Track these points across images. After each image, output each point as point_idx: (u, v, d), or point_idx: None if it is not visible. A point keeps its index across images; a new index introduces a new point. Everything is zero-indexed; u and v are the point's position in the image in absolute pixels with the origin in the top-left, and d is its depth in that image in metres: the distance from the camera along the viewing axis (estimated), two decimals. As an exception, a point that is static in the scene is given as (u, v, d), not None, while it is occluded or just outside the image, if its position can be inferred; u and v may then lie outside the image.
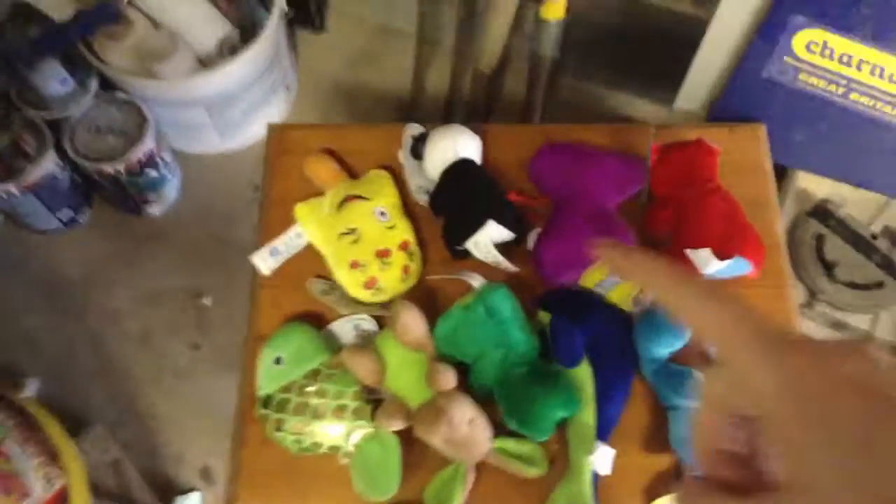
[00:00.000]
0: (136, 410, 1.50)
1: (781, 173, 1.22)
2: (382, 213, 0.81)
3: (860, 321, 1.12)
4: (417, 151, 0.86)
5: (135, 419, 1.49)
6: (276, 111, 1.68)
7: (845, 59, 0.81)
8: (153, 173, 1.52)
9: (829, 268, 1.10)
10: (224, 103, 1.51)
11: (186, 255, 1.61)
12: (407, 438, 0.73)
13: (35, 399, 1.38)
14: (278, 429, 0.74)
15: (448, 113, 1.62)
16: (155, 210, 1.63)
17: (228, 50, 1.51)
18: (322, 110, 1.75)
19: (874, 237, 1.11)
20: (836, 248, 1.11)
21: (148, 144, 1.45)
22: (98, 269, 1.60)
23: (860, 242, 1.11)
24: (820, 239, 1.11)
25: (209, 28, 1.48)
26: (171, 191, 1.62)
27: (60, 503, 0.79)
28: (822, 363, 0.25)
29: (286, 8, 1.53)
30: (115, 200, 1.61)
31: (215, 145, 1.65)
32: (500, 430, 0.74)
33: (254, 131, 1.66)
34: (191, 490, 1.42)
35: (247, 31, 1.54)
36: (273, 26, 1.47)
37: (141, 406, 1.50)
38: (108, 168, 1.43)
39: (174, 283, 1.59)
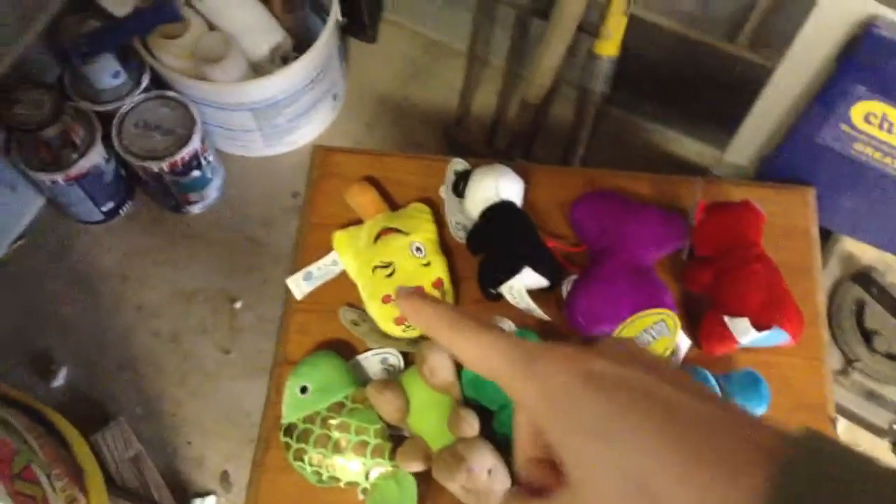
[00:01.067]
0: (161, 408, 1.51)
1: (827, 235, 1.19)
2: (419, 249, 0.81)
3: (894, 393, 1.09)
4: (459, 189, 0.85)
5: (159, 416, 1.50)
6: (322, 120, 1.69)
7: (905, 133, 0.79)
8: (196, 173, 1.54)
9: (867, 336, 1.08)
10: (271, 110, 1.52)
11: (222, 256, 1.63)
12: (425, 479, 0.73)
13: (63, 395, 1.41)
14: (299, 458, 0.74)
15: (492, 137, 1.61)
16: (195, 209, 1.65)
17: (280, 58, 1.52)
18: (367, 122, 1.75)
19: (918, 308, 1.08)
20: (876, 316, 1.08)
21: (194, 145, 1.47)
22: (135, 263, 1.63)
23: (903, 312, 1.08)
24: (861, 305, 1.09)
25: (263, 34, 1.49)
26: (213, 191, 1.64)
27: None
28: (566, 364, 0.27)
29: (340, 17, 1.53)
30: (157, 196, 1.63)
31: (259, 149, 1.66)
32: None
33: (298, 138, 1.67)
34: (207, 493, 1.43)
35: (300, 40, 1.56)
36: (326, 37, 1.47)
37: (166, 404, 1.51)
38: (153, 166, 1.45)
39: (208, 284, 1.60)
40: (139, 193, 1.68)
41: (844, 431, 1.24)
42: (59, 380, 1.50)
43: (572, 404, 0.26)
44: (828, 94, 0.81)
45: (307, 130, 1.66)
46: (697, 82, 1.47)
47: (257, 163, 1.70)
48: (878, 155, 0.84)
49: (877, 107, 0.79)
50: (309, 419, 0.74)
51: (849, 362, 1.08)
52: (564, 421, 0.26)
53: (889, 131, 0.80)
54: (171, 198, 1.60)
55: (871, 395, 1.09)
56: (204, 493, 1.42)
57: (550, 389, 0.27)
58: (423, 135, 1.73)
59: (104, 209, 1.61)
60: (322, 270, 0.84)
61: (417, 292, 0.34)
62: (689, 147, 1.66)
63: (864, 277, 1.09)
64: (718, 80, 1.41)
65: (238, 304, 1.58)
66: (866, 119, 0.80)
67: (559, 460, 0.27)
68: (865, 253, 1.12)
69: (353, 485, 0.74)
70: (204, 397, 1.51)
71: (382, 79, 1.80)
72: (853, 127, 0.82)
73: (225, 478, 1.44)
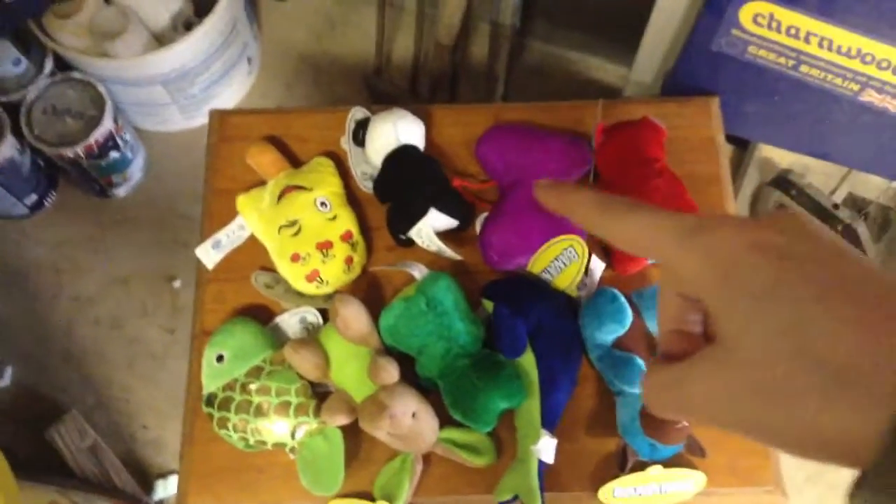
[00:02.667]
0: (113, 395, 1.50)
1: (746, 143, 1.20)
2: (324, 204, 0.80)
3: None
4: (359, 138, 0.84)
5: (111, 404, 1.49)
6: (239, 85, 1.65)
7: (793, 31, 0.79)
8: (115, 154, 1.49)
9: (790, 238, 1.10)
10: (182, 80, 1.48)
11: (155, 236, 1.60)
12: (355, 431, 0.73)
13: (11, 394, 1.39)
14: (223, 427, 0.74)
15: (414, 83, 1.59)
16: (121, 191, 1.61)
17: (183, 24, 1.47)
18: (287, 82, 1.71)
19: (836, 206, 1.10)
20: (797, 217, 1.09)
21: (107, 125, 1.43)
22: (67, 253, 1.59)
23: (822, 212, 1.09)
24: (782, 209, 1.10)
25: (162, 2, 1.44)
26: (136, 171, 1.60)
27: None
28: (733, 233, 0.27)
29: (243, -22, 1.48)
30: (80, 183, 1.59)
31: (178, 122, 1.62)
32: (447, 420, 0.74)
33: (217, 106, 1.63)
34: (170, 473, 1.43)
35: (204, 4, 1.50)
36: None
37: (117, 391, 1.50)
38: (68, 151, 1.41)
39: (144, 266, 1.58)
40: (62, 182, 1.63)
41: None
42: (5, 380, 1.48)
43: (739, 270, 0.26)
44: (714, 0, 0.80)
45: (225, 97, 1.62)
46: (610, 5, 1.45)
47: (179, 136, 1.66)
48: (772, 56, 0.84)
49: (763, 7, 0.78)
50: (228, 387, 0.74)
51: (774, 266, 1.10)
52: (729, 286, 0.26)
53: (778, 30, 0.80)
54: (94, 183, 1.55)
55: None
56: (166, 474, 1.42)
57: (716, 257, 0.27)
58: (344, 89, 1.69)
59: (28, 202, 1.56)
60: (230, 237, 0.83)
61: (557, 182, 0.34)
62: (612, 72, 1.65)
63: (783, 181, 1.10)
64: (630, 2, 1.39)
65: (177, 283, 1.55)
66: (755, 20, 0.80)
67: (713, 324, 0.27)
68: (783, 157, 1.13)
69: (280, 445, 0.74)
70: (154, 380, 1.50)
71: (298, 36, 1.75)
72: (743, 30, 0.82)
73: (184, 455, 1.44)
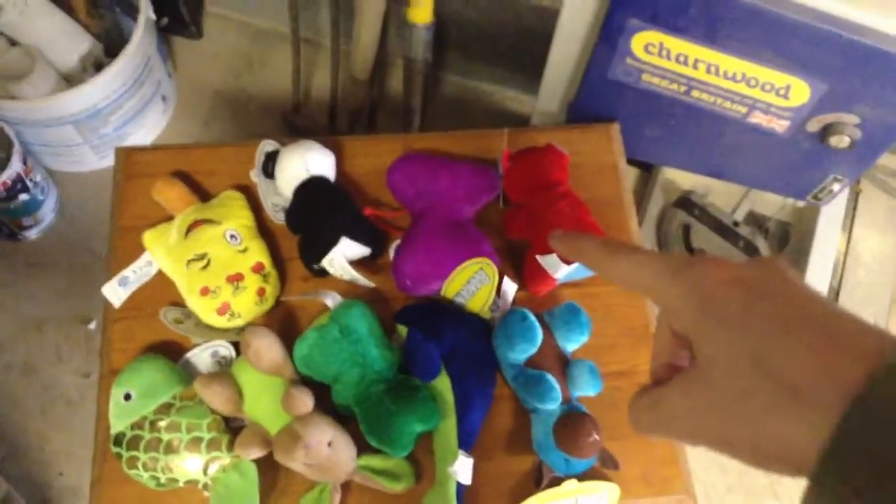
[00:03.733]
0: (27, 443, 1.43)
1: (649, 166, 1.26)
2: (233, 237, 0.80)
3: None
4: (269, 170, 0.84)
5: (25, 453, 1.43)
6: (153, 123, 1.63)
7: (682, 58, 0.83)
8: (24, 197, 1.45)
9: (695, 256, 1.14)
10: (94, 119, 1.45)
11: (69, 278, 1.55)
12: (271, 464, 0.72)
13: None
14: (133, 467, 0.72)
15: (332, 118, 1.60)
16: (32, 234, 1.56)
17: (93, 65, 1.45)
18: (204, 119, 1.70)
19: (736, 224, 1.16)
20: (701, 236, 1.14)
21: (14, 167, 1.39)
22: (-26, 299, 1.53)
23: (723, 230, 1.15)
24: (686, 228, 1.15)
25: (70, 43, 1.42)
26: (48, 213, 1.56)
27: None
28: (716, 269, 0.30)
29: (153, 17, 1.47)
30: (-12, 227, 1.54)
31: (91, 163, 1.59)
32: (365, 446, 0.74)
33: (131, 144, 1.60)
34: (86, 522, 1.37)
35: (114, 44, 1.49)
36: (139, 38, 1.41)
37: (31, 439, 1.44)
38: (-27, 195, 1.36)
39: (58, 309, 1.53)
40: (-30, 227, 1.57)
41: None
42: None
43: (715, 300, 0.29)
44: (607, 31, 0.84)
45: (140, 136, 1.60)
46: (520, 37, 1.50)
47: (93, 176, 1.62)
48: (664, 83, 0.88)
49: (653, 36, 0.82)
50: (137, 425, 0.72)
51: (682, 284, 1.14)
52: (705, 314, 0.29)
53: (668, 58, 0.84)
54: (3, 226, 1.50)
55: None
56: (83, 524, 1.37)
57: (699, 290, 0.30)
58: (263, 125, 1.69)
59: (-69, 248, 1.50)
60: (137, 273, 0.81)
61: (570, 232, 0.38)
62: (527, 103, 1.69)
63: (686, 202, 1.15)
64: (537, 32, 1.44)
65: (92, 325, 1.51)
66: (646, 49, 0.84)
67: (692, 351, 0.30)
68: (686, 178, 1.18)
69: (193, 482, 0.72)
70: (69, 426, 1.44)
71: (214, 74, 1.75)
72: (636, 59, 0.86)
73: None
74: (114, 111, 1.47)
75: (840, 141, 0.88)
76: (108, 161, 1.59)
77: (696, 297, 0.30)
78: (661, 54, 0.84)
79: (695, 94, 0.88)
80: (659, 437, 0.32)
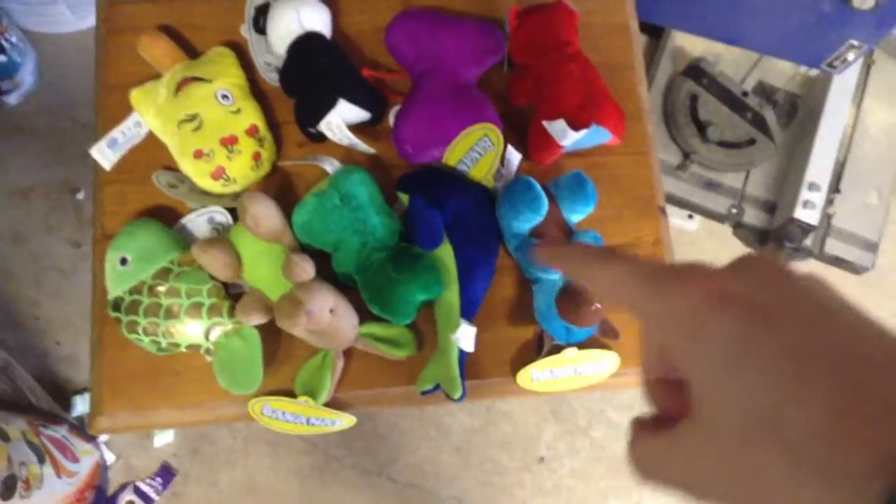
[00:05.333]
0: (21, 312, 1.44)
1: (659, 32, 1.20)
2: (225, 96, 0.76)
3: (732, 180, 1.14)
4: (261, 25, 0.79)
5: (20, 322, 1.43)
6: (134, -18, 1.53)
7: None
8: (1, 58, 1.38)
9: (702, 128, 1.11)
10: (69, -26, 1.37)
11: (53, 146, 1.51)
12: (273, 331, 0.72)
13: None
14: (133, 331, 0.71)
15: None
16: (11, 99, 1.50)
17: (66, -88, 1.35)
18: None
19: (745, 94, 1.11)
20: (709, 107, 1.10)
21: (-13, 26, 1.31)
22: (-44, 166, 1.49)
23: (732, 100, 1.11)
24: (694, 98, 1.11)
25: None
26: (27, 76, 1.49)
27: None
28: (695, 283, 0.26)
29: None
30: (-36, 90, 1.47)
31: (69, 23, 1.51)
32: (367, 315, 0.73)
33: (112, 5, 1.51)
34: (86, 390, 1.40)
35: None
36: None
37: (25, 308, 1.44)
38: (-55, 55, 1.30)
39: (44, 178, 1.49)
40: (-56, 91, 1.51)
41: (692, 223, 1.30)
42: None
43: (701, 327, 0.25)
44: None
45: (119, -6, 1.51)
46: None
47: (72, 38, 1.55)
48: (684, -64, 0.82)
49: None
50: (135, 290, 0.71)
51: (686, 155, 1.12)
52: (692, 344, 0.25)
53: None
54: (-20, 89, 1.44)
55: (710, 185, 1.14)
56: (83, 390, 1.39)
57: (679, 310, 0.26)
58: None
59: None
60: (127, 135, 0.78)
61: (551, 244, 0.35)
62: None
63: (695, 70, 1.11)
64: None
65: (80, 195, 1.48)
66: None
67: (687, 386, 0.26)
68: (695, 46, 1.13)
69: (194, 347, 0.72)
70: (63, 295, 1.44)
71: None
72: None
73: (102, 371, 1.41)
74: (89, -35, 1.38)
75: (863, 2, 0.83)
76: (87, 22, 1.52)
77: (684, 323, 0.26)
78: None
79: (717, -51, 0.82)
80: (666, 492, 0.28)
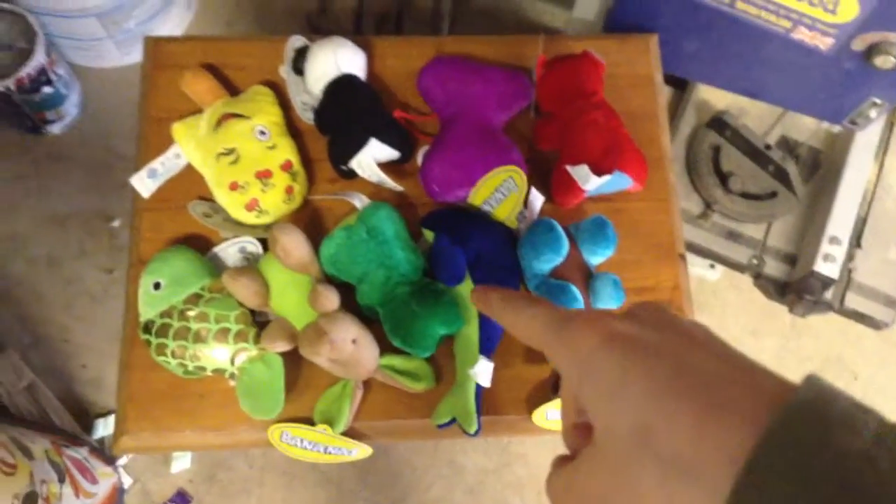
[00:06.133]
0: (50, 335, 1.47)
1: (683, 84, 1.22)
2: (262, 132, 0.79)
3: (754, 231, 1.16)
4: (299, 66, 0.83)
5: (49, 344, 1.47)
6: (177, 21, 1.60)
7: (730, -33, 0.80)
8: (48, 90, 1.44)
9: (724, 178, 1.13)
10: (117, 13, 1.43)
11: (91, 175, 1.56)
12: (296, 359, 0.74)
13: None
14: (161, 353, 0.73)
15: (358, 22, 1.56)
16: (55, 128, 1.56)
17: (118, -45, 1.42)
18: (227, 20, 1.67)
19: (768, 147, 1.13)
20: (731, 158, 1.12)
21: (38, 58, 1.37)
22: (0, 191, 1.54)
23: (755, 153, 1.12)
24: (717, 150, 1.13)
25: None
26: (71, 108, 1.55)
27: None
28: (590, 327, 0.29)
29: None
30: (12, 120, 1.53)
31: (114, 59, 1.57)
32: (388, 347, 0.75)
33: (156, 43, 1.58)
34: (110, 413, 1.42)
35: (139, -66, 1.45)
36: (166, -71, 1.38)
37: (54, 331, 1.48)
38: (-3, 85, 1.36)
39: (81, 206, 1.54)
40: (-6, 120, 1.57)
41: (714, 273, 1.31)
42: (-66, 320, 1.44)
43: (594, 367, 0.27)
44: (654, -65, 0.80)
45: (163, 33, 1.57)
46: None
47: (116, 73, 1.61)
48: (708, -7, 0.85)
49: (701, -57, 0.79)
50: (166, 314, 0.74)
51: (708, 205, 1.13)
52: (588, 382, 0.28)
53: (715, -33, 0.81)
54: (27, 118, 1.50)
55: (731, 235, 1.15)
56: (106, 413, 1.41)
57: (579, 353, 0.28)
58: (286, 28, 1.66)
59: (-46, 138, 1.51)
60: (166, 165, 0.81)
61: (487, 288, 0.38)
62: (559, 16, 1.65)
63: (718, 122, 1.13)
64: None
65: (115, 223, 1.52)
66: (693, -44, 0.81)
67: (589, 420, 0.28)
68: (720, 99, 1.15)
69: (220, 371, 0.74)
70: (92, 320, 1.48)
71: (239, -29, 1.70)
72: (682, -34, 0.83)
73: (126, 395, 1.43)
74: (137, 5, 1.44)
75: (885, 62, 0.85)
76: (132, 58, 1.58)
77: (577, 363, 0.28)
78: (708, -38, 0.81)
79: (739, 5, 0.85)
80: None
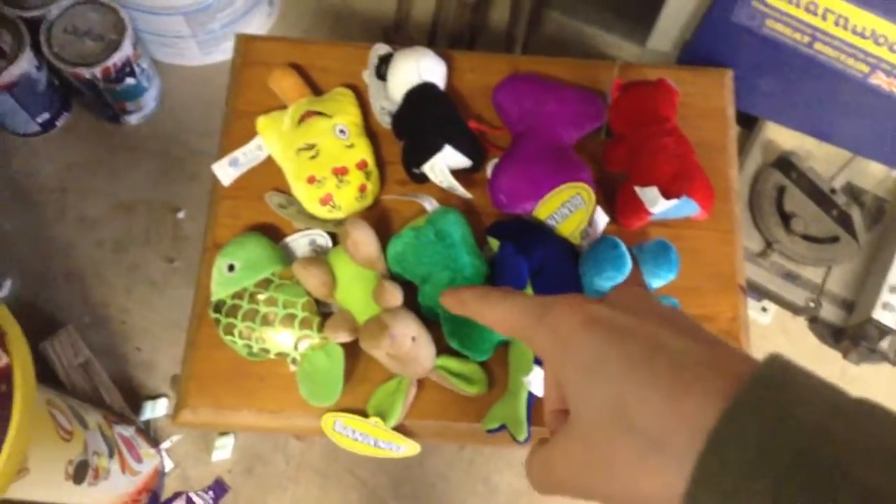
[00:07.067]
0: (109, 316, 1.52)
1: (752, 123, 1.23)
2: (342, 131, 0.82)
3: (812, 274, 1.15)
4: (382, 72, 0.86)
5: (107, 325, 1.51)
6: (258, 26, 1.66)
7: (811, 6, 0.81)
8: (131, 81, 1.51)
9: (786, 219, 1.12)
10: (204, 13, 1.49)
11: (162, 166, 1.62)
12: (355, 351, 0.76)
13: (8, 305, 1.41)
14: (229, 333, 0.76)
15: (432, 40, 1.60)
16: (133, 119, 1.63)
17: (211, -42, 1.48)
18: (305, 28, 1.73)
19: (833, 191, 1.13)
20: (795, 200, 1.12)
21: (125, 50, 1.44)
22: (75, 175, 1.61)
23: (819, 196, 1.12)
24: (781, 190, 1.13)
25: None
26: (150, 100, 1.62)
27: (4, 379, 0.83)
28: (570, 311, 0.30)
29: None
30: (93, 107, 1.60)
31: (195, 57, 1.63)
32: (444, 349, 0.77)
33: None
34: (159, 396, 1.46)
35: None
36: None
37: (113, 312, 1.52)
38: (85, 72, 1.42)
39: (149, 195, 1.60)
40: (76, 105, 1.65)
41: (766, 316, 1.30)
42: (4, 291, 1.50)
43: (574, 347, 0.29)
44: (739, -29, 0.82)
45: (244, 36, 1.63)
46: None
47: (195, 71, 1.68)
48: (788, 31, 0.86)
49: (785, -19, 0.81)
50: (237, 295, 0.77)
51: (768, 244, 1.13)
52: (568, 363, 0.29)
53: (797, 5, 0.82)
54: (108, 107, 1.57)
55: (789, 276, 1.14)
56: (155, 396, 1.45)
57: (559, 336, 0.29)
58: (361, 39, 1.70)
59: (40, 120, 1.58)
60: (248, 156, 0.85)
61: (457, 288, 0.38)
62: (627, 50, 1.67)
63: (784, 162, 1.13)
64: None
65: (181, 214, 1.58)
66: (776, -5, 0.82)
67: (567, 401, 0.29)
68: (787, 139, 1.15)
69: (283, 355, 0.77)
70: (151, 305, 1.52)
71: (321, -17, 1.76)
72: (764, 2, 0.84)
73: (175, 381, 1.47)
74: (224, 7, 1.51)
75: (960, 113, 0.85)
76: (212, 58, 1.64)
77: (558, 345, 0.29)
78: (790, 1, 0.82)
79: (818, 46, 0.86)
80: (556, 494, 0.31)
